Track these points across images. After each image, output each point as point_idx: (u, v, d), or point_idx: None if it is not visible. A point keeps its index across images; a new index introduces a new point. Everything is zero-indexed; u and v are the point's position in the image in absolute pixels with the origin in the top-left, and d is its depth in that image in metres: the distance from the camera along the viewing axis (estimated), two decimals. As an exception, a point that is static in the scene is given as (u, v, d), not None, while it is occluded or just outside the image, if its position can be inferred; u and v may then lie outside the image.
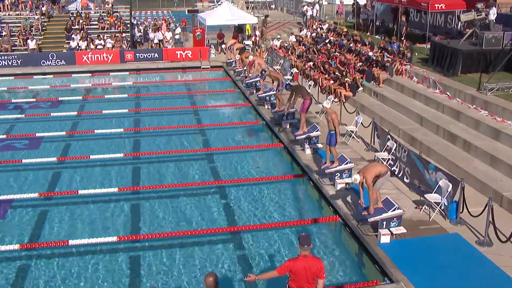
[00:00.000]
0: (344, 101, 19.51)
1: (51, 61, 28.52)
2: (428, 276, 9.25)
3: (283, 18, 39.22)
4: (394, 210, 10.48)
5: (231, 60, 27.18)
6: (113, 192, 13.37)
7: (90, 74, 27.71)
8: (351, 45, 24.44)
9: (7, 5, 34.89)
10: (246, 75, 23.17)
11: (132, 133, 18.30)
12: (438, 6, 21.88)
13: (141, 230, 11.65)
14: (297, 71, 24.47)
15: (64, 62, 28.61)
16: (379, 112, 17.88)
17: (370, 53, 22.05)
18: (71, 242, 10.95)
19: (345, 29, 27.75)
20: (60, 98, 22.91)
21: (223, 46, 30.77)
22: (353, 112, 17.19)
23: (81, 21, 33.25)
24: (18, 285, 9.74)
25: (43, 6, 34.95)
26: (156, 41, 31.54)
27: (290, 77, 23.86)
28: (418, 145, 15.06)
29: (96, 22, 33.93)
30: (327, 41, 27.05)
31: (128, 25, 33.11)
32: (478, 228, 10.63)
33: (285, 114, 17.22)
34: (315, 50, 26.02)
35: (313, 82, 21.93)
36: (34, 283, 9.79)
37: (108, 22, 33.57)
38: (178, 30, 33.33)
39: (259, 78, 21.20)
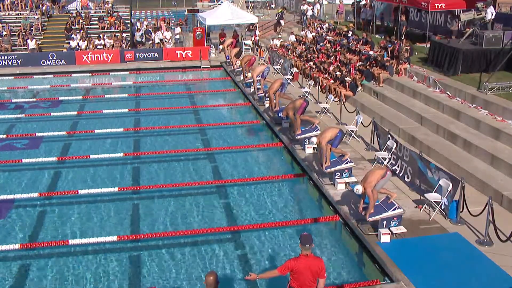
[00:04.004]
0: (344, 100, 19.50)
1: (51, 61, 28.52)
2: (428, 276, 9.25)
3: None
4: (394, 209, 10.49)
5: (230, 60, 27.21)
6: (113, 191, 13.37)
7: (90, 74, 27.71)
8: (351, 44, 24.42)
9: (7, 5, 34.87)
10: (246, 75, 23.18)
11: (132, 133, 18.30)
12: (438, 6, 21.86)
13: (141, 230, 11.65)
14: (297, 71, 24.48)
15: (64, 62, 28.61)
16: (379, 112, 17.88)
17: (371, 52, 22.02)
18: (71, 241, 10.97)
19: (345, 29, 27.74)
20: (60, 98, 22.91)
21: (221, 46, 30.85)
22: (353, 112, 17.20)
23: (81, 21, 33.26)
24: (18, 285, 9.74)
25: (43, 6, 34.94)
26: (157, 40, 31.53)
27: (290, 77, 23.87)
28: (418, 144, 15.06)
29: (96, 22, 33.93)
30: (325, 41, 27.04)
31: (128, 25, 33.12)
32: (478, 228, 10.64)
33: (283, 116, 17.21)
34: (315, 49, 26.01)
35: (313, 82, 21.93)
36: (35, 282, 9.80)
37: (108, 21, 33.57)
38: (178, 30, 33.33)
39: (259, 78, 21.19)
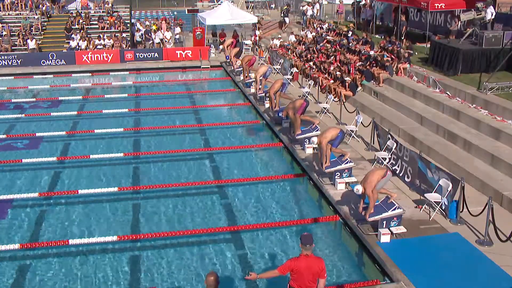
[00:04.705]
0: (344, 100, 19.50)
1: (51, 61, 28.52)
2: (428, 276, 9.25)
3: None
4: (394, 209, 10.49)
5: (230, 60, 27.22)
6: (113, 191, 13.36)
7: (90, 74, 27.71)
8: (351, 44, 24.43)
9: (7, 5, 34.86)
10: (249, 75, 23.17)
11: (132, 133, 18.29)
12: (438, 6, 21.87)
13: (141, 230, 11.64)
14: (297, 71, 24.48)
15: (64, 62, 28.61)
16: (379, 112, 17.89)
17: (372, 52, 22.02)
18: (71, 241, 10.97)
19: (345, 29, 27.75)
20: (60, 98, 22.90)
21: (221, 46, 30.89)
22: (353, 112, 17.20)
23: (81, 21, 33.25)
24: (18, 285, 9.74)
25: (43, 6, 34.94)
26: (157, 40, 31.52)
27: (290, 77, 23.87)
28: (418, 144, 15.06)
29: (96, 22, 33.93)
30: (325, 41, 27.05)
31: (128, 25, 33.11)
32: (478, 228, 10.64)
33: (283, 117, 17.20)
34: (314, 49, 26.01)
35: (313, 82, 21.93)
36: (35, 282, 9.79)
37: (108, 21, 33.57)
38: (178, 30, 33.34)
39: (261, 78, 21.15)
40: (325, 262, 7.65)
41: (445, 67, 18.84)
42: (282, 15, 36.11)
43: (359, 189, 10.69)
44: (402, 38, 23.71)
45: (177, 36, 32.70)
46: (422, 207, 11.58)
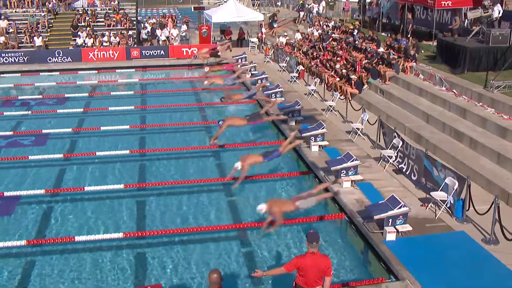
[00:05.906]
0: (350, 98, 19.47)
1: (58, 58, 28.62)
2: (434, 274, 9.23)
3: (289, 15, 39.18)
4: (400, 207, 10.46)
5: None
6: (119, 188, 13.42)
7: (96, 71, 27.78)
8: (357, 42, 24.38)
9: (14, 2, 35.00)
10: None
11: (138, 130, 18.33)
12: (444, 4, 21.78)
13: (147, 227, 11.68)
14: (303, 69, 24.45)
15: (70, 59, 28.71)
16: (385, 110, 17.85)
17: (380, 49, 21.94)
18: (77, 238, 11.02)
19: (351, 27, 27.69)
20: (66, 95, 22.96)
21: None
22: (359, 110, 17.17)
23: (87, 18, 33.34)
24: (25, 281, 9.79)
25: (49, 3, 35.06)
26: (163, 38, 31.54)
27: (296, 74, 23.85)
28: (424, 143, 15.03)
29: (102, 19, 34.01)
30: (330, 39, 27.00)
31: (134, 22, 33.16)
32: (484, 226, 10.61)
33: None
34: (320, 47, 25.97)
35: (319, 79, 21.90)
36: (41, 279, 9.84)
37: (114, 19, 33.63)
38: (184, 27, 33.36)
39: (264, 76, 21.18)
40: (330, 260, 7.66)
41: (452, 65, 18.76)
42: (296, 9, 36.20)
43: (262, 208, 10.45)
44: (409, 36, 23.64)
45: (183, 34, 32.72)
46: (428, 206, 11.56)
